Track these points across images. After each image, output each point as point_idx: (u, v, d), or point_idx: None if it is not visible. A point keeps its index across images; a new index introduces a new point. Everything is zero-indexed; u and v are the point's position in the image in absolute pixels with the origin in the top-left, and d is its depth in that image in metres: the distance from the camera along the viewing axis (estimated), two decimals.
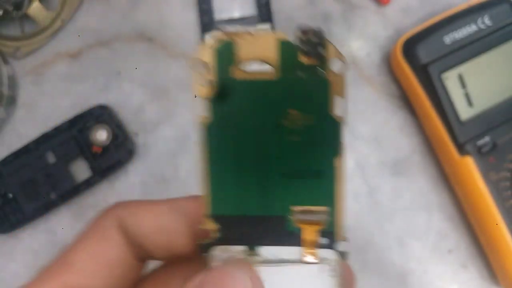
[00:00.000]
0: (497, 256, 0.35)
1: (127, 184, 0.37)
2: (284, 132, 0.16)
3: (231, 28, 0.15)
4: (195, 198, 0.18)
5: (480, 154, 0.34)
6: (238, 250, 0.17)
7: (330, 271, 0.16)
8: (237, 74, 0.16)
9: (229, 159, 0.16)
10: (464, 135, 0.34)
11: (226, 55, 0.15)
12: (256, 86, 0.16)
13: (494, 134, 0.34)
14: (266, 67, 0.16)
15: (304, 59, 0.15)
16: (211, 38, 0.15)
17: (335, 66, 0.15)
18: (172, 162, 0.38)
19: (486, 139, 0.34)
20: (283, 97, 0.16)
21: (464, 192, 0.36)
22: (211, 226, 0.16)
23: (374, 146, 0.38)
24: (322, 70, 0.15)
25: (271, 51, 0.15)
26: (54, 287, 0.16)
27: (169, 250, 0.17)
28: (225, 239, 0.16)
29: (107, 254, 0.16)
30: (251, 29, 0.15)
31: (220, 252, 0.16)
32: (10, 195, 0.36)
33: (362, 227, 0.37)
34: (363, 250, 0.37)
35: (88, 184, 0.36)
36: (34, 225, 0.37)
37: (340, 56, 0.15)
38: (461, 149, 0.34)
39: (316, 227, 0.17)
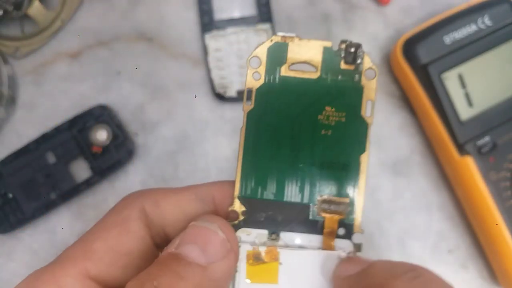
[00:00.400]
0: (497, 256, 0.35)
1: (127, 184, 0.37)
2: (318, 126, 0.18)
3: (286, 33, 0.18)
4: (219, 184, 0.18)
5: (480, 154, 0.34)
6: (261, 233, 0.18)
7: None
8: (285, 71, 0.18)
9: (264, 146, 0.18)
10: (464, 135, 0.34)
11: (278, 54, 0.18)
12: (299, 82, 0.18)
13: (494, 134, 0.34)
14: (310, 69, 0.18)
15: (343, 65, 0.18)
16: (268, 39, 0.18)
17: (368, 73, 0.18)
18: (172, 162, 0.38)
19: (486, 139, 0.34)
20: (322, 95, 0.18)
21: (464, 192, 0.36)
22: (239, 208, 0.18)
23: (374, 146, 0.38)
24: (357, 76, 0.18)
25: (316, 55, 0.18)
26: (74, 273, 0.16)
27: None
28: (251, 222, 0.18)
29: (128, 246, 0.16)
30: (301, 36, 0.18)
31: (244, 234, 0.17)
32: (10, 195, 0.36)
33: (362, 226, 0.37)
34: (363, 249, 0.37)
35: (88, 184, 0.36)
36: (34, 225, 0.37)
37: (373, 66, 0.18)
38: (461, 149, 0.34)
39: (338, 217, 0.18)
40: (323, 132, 0.18)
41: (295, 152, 0.18)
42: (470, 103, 0.35)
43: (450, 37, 0.35)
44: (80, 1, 0.38)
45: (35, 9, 0.37)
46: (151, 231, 0.17)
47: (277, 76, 0.18)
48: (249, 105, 0.18)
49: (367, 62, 0.18)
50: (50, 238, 0.37)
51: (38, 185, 0.36)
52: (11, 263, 0.37)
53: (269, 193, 0.18)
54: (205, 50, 0.38)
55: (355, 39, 0.39)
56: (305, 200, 0.18)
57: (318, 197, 0.18)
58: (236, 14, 0.38)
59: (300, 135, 0.18)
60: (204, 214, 0.17)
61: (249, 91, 0.18)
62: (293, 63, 0.18)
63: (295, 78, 0.18)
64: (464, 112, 0.34)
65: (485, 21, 0.35)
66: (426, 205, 0.38)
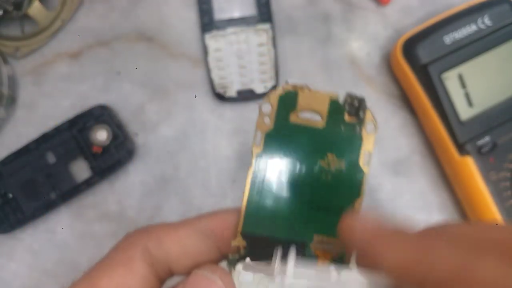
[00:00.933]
0: None
1: (127, 184, 0.37)
2: (320, 171, 0.19)
3: (297, 82, 0.19)
4: (218, 216, 0.19)
5: (480, 154, 0.34)
6: (260, 265, 0.19)
7: None
8: (293, 118, 0.20)
9: (269, 187, 0.20)
10: (464, 135, 0.34)
11: (289, 102, 0.20)
12: (306, 130, 0.19)
13: (494, 134, 0.34)
14: (316, 117, 0.20)
15: (347, 117, 0.19)
16: (280, 87, 0.19)
17: (368, 127, 0.20)
18: (172, 162, 0.38)
19: (486, 139, 0.34)
20: (325, 143, 0.20)
21: (464, 192, 0.36)
22: (241, 243, 0.19)
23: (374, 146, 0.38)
24: (359, 128, 0.20)
25: (323, 105, 0.19)
26: None
27: (196, 265, 0.18)
28: (251, 256, 0.19)
29: (132, 285, 0.17)
30: (310, 86, 0.20)
31: (244, 266, 0.18)
32: (10, 195, 0.36)
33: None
34: None
35: (88, 184, 0.36)
36: (34, 225, 0.37)
37: (374, 121, 0.20)
38: (461, 149, 0.34)
39: (330, 255, 0.20)
40: (323, 177, 0.20)
41: (297, 194, 0.20)
42: (470, 103, 0.35)
43: (450, 37, 0.35)
44: (80, 1, 0.38)
45: (35, 9, 0.37)
46: (156, 268, 0.18)
47: (286, 122, 0.20)
48: (258, 147, 0.20)
49: (369, 117, 0.20)
50: (50, 238, 0.37)
51: (38, 185, 0.36)
52: (11, 263, 0.37)
53: (271, 229, 0.19)
54: (205, 50, 0.38)
55: (355, 39, 0.39)
56: (303, 238, 0.19)
57: (314, 237, 0.19)
58: (236, 14, 0.38)
59: (303, 179, 0.20)
60: (207, 264, 0.17)
61: (259, 134, 0.20)
62: (301, 111, 0.20)
63: (302, 125, 0.20)
64: (464, 112, 0.34)
65: (485, 21, 0.35)
66: (426, 205, 0.38)
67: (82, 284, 0.17)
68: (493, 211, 0.33)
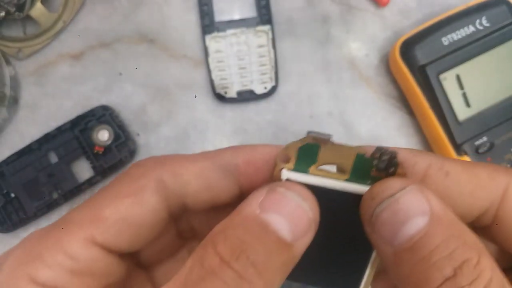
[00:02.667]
0: None
1: None
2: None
3: (319, 134, 0.17)
4: (243, 149, 0.17)
5: (477, 154, 0.34)
6: None
7: None
8: (313, 171, 0.17)
9: None
10: (462, 135, 0.35)
11: (309, 154, 0.17)
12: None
13: (492, 134, 0.34)
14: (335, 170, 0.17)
15: (374, 172, 0.17)
16: (300, 139, 0.17)
17: None
18: None
19: (484, 139, 0.34)
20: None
21: None
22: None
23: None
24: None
25: (348, 160, 0.17)
26: (80, 239, 0.15)
27: (212, 204, 0.17)
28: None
29: (141, 218, 0.16)
30: (330, 136, 0.17)
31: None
32: (13, 195, 0.36)
33: None
34: None
35: (90, 183, 0.37)
36: (36, 225, 0.37)
37: (405, 175, 0.17)
38: (459, 149, 0.35)
39: None
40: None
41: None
42: (467, 103, 0.35)
43: (448, 38, 0.35)
44: (81, 2, 0.38)
45: (37, 10, 0.38)
46: (169, 202, 0.16)
47: (308, 177, 0.17)
48: None
49: (401, 173, 0.17)
50: None
51: (40, 185, 0.36)
52: None
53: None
54: (205, 51, 0.38)
55: (353, 41, 0.40)
56: None
57: None
58: (236, 16, 0.38)
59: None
60: (280, 182, 0.16)
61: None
62: (323, 164, 0.18)
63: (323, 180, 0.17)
64: (462, 112, 0.35)
65: (482, 23, 0.35)
66: None
67: (82, 212, 0.16)
68: None
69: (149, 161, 0.17)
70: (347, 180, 0.17)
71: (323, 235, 0.17)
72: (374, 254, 0.18)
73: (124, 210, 0.15)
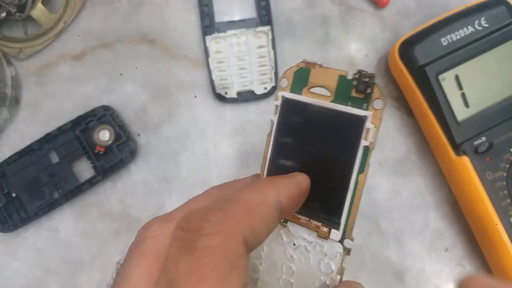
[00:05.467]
0: (493, 254, 0.35)
1: (129, 183, 0.38)
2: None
3: (311, 60, 0.21)
4: (280, 186, 0.19)
5: (476, 154, 0.34)
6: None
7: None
8: (305, 93, 0.21)
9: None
10: (461, 136, 0.35)
11: (302, 77, 0.21)
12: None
13: (490, 134, 0.34)
14: (326, 93, 0.20)
15: (354, 93, 0.20)
16: (295, 65, 0.21)
17: (376, 103, 0.20)
18: (174, 161, 0.38)
19: (483, 139, 0.34)
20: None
21: (460, 191, 0.36)
22: None
23: None
24: (366, 105, 0.20)
25: (332, 81, 0.20)
26: None
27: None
28: None
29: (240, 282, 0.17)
30: (322, 62, 0.21)
31: None
32: (14, 194, 0.37)
33: (360, 225, 0.38)
34: (361, 248, 0.37)
35: (91, 183, 0.37)
36: (38, 224, 0.38)
37: (382, 97, 0.19)
38: (458, 149, 0.35)
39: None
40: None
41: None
42: (466, 104, 0.35)
43: (447, 39, 0.35)
44: (82, 3, 0.39)
45: (38, 11, 0.38)
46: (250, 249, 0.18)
47: (299, 96, 0.21)
48: (275, 117, 0.21)
49: (376, 93, 0.19)
50: (54, 236, 0.38)
51: (42, 185, 0.37)
52: (15, 261, 0.38)
53: None
54: (206, 52, 0.38)
55: (353, 41, 0.40)
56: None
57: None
58: (237, 16, 0.38)
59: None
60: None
61: (277, 105, 0.21)
62: (312, 87, 0.21)
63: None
64: (461, 112, 0.35)
65: (482, 23, 0.35)
66: (423, 204, 0.38)
67: None
68: (489, 211, 0.34)
69: (234, 220, 0.17)
70: (332, 101, 0.20)
71: (309, 153, 0.20)
72: (354, 177, 0.20)
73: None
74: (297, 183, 0.20)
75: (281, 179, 0.20)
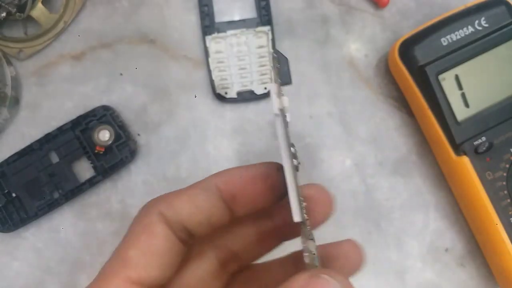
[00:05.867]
0: (493, 255, 0.35)
1: (129, 184, 0.38)
2: None
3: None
4: (221, 173, 0.20)
5: (476, 154, 0.34)
6: None
7: None
8: None
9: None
10: (461, 136, 0.35)
11: None
12: None
13: (490, 134, 0.34)
14: None
15: None
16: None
17: None
18: (174, 161, 0.38)
19: (483, 139, 0.34)
20: None
21: (460, 191, 0.36)
22: None
23: (371, 146, 0.38)
24: None
25: None
26: (119, 283, 0.17)
27: (210, 224, 0.19)
28: None
29: (156, 247, 0.18)
30: None
31: None
32: (14, 194, 0.37)
33: (360, 225, 0.38)
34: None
35: (91, 183, 0.37)
36: (38, 224, 0.38)
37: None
38: (458, 149, 0.35)
39: None
40: None
41: None
42: (466, 104, 0.35)
43: (447, 39, 0.35)
44: (82, 3, 0.39)
45: (38, 11, 0.38)
46: (173, 229, 0.19)
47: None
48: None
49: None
50: (54, 237, 0.38)
51: (42, 185, 0.37)
52: (15, 261, 0.38)
53: None
54: (206, 52, 0.38)
55: (353, 41, 0.40)
56: None
57: None
58: (237, 17, 0.38)
59: None
60: (324, 269, 0.17)
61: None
62: None
63: None
64: (461, 112, 0.35)
65: (482, 23, 0.35)
66: (423, 204, 0.38)
67: (112, 261, 0.19)
68: (489, 211, 0.34)
69: (148, 203, 0.20)
70: None
71: None
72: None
73: (143, 245, 0.18)
74: (246, 170, 0.20)
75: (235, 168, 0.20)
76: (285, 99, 0.18)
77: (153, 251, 0.18)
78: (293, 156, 0.18)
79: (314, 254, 0.17)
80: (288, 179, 0.17)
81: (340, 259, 0.21)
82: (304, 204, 0.18)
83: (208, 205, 0.19)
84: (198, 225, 0.19)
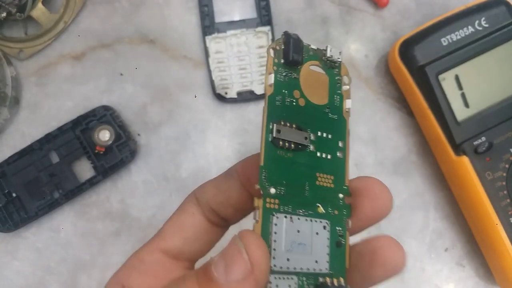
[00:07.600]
0: (493, 254, 0.35)
1: (129, 183, 0.38)
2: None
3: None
4: (243, 159, 0.22)
5: (476, 154, 0.34)
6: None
7: None
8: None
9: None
10: (461, 136, 0.35)
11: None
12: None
13: (490, 134, 0.35)
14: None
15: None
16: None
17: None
18: (173, 161, 0.38)
19: (482, 139, 0.34)
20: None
21: (460, 191, 0.36)
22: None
23: (371, 146, 0.39)
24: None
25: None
26: (150, 250, 0.21)
27: (230, 205, 0.21)
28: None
29: (184, 222, 0.21)
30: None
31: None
32: (14, 194, 0.37)
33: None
34: None
35: (91, 183, 0.37)
36: (38, 224, 0.38)
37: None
38: (458, 149, 0.35)
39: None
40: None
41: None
42: (466, 104, 0.35)
43: (447, 39, 0.35)
44: (82, 3, 0.39)
45: (38, 11, 0.38)
46: (203, 209, 0.21)
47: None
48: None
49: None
50: (54, 236, 0.38)
51: (42, 185, 0.37)
52: (15, 261, 0.38)
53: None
54: (206, 52, 0.38)
55: (353, 41, 0.40)
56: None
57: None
58: (237, 17, 0.38)
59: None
60: (246, 230, 0.18)
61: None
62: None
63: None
64: (461, 112, 0.35)
65: (482, 23, 0.35)
66: (423, 204, 0.38)
67: (154, 236, 0.22)
68: (488, 211, 0.34)
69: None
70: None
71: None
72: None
73: (174, 221, 0.22)
74: (221, 180, 0.22)
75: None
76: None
77: (180, 225, 0.21)
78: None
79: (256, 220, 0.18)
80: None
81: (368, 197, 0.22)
82: None
83: (227, 186, 0.21)
84: (220, 205, 0.21)
